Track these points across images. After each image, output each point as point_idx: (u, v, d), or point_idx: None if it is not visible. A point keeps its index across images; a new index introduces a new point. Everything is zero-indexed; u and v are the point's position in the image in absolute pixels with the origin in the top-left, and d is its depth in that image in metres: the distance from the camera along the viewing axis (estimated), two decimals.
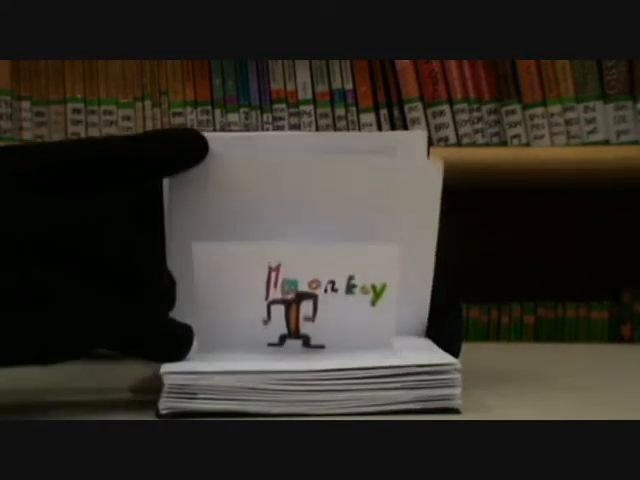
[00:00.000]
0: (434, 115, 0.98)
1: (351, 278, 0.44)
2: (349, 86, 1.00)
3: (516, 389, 0.49)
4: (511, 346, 0.97)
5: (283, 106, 1.00)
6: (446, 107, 0.98)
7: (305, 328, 0.44)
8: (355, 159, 0.47)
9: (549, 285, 1.12)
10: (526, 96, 0.97)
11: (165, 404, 0.39)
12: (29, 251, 0.38)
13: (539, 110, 0.97)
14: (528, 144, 0.97)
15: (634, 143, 0.95)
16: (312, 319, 0.44)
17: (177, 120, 1.01)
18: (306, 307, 0.44)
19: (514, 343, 1.05)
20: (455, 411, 0.40)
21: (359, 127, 0.99)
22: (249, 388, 0.39)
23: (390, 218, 0.47)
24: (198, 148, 0.45)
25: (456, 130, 0.98)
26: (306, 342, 0.44)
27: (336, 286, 0.44)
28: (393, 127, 0.99)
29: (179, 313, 0.42)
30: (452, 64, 0.98)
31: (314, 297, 0.44)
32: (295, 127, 1.00)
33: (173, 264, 0.44)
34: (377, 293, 0.44)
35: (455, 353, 0.46)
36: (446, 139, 0.98)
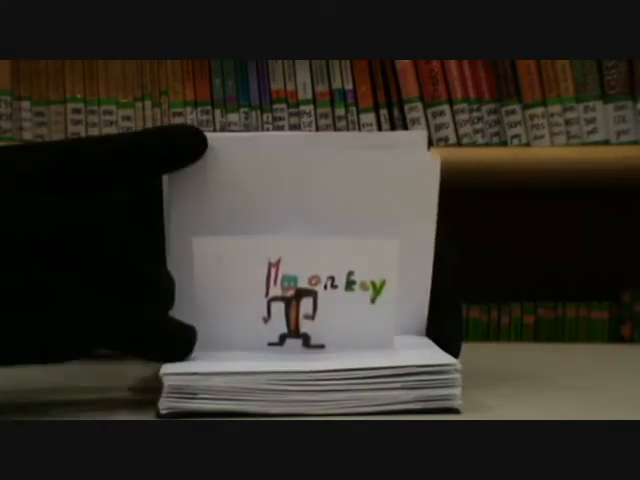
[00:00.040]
0: (434, 115, 0.98)
1: (351, 274, 0.44)
2: (349, 86, 1.00)
3: (516, 389, 0.49)
4: (511, 346, 0.97)
5: (283, 106, 1.01)
6: (446, 107, 0.98)
7: (305, 326, 0.44)
8: (354, 156, 0.47)
9: (549, 285, 1.12)
10: (526, 96, 0.97)
11: (165, 404, 0.39)
12: (29, 251, 0.38)
13: (539, 110, 0.97)
14: (528, 144, 0.97)
15: (634, 143, 0.95)
16: (312, 317, 0.44)
17: (177, 120, 1.01)
18: (306, 305, 0.44)
19: (514, 343, 1.05)
20: (455, 411, 0.40)
21: (359, 127, 0.99)
22: (249, 388, 0.39)
23: (388, 215, 0.47)
24: (197, 144, 0.45)
25: (456, 130, 0.98)
26: (306, 342, 0.44)
27: (336, 282, 0.44)
28: (393, 127, 0.99)
29: (179, 312, 0.42)
30: (452, 64, 0.98)
31: (314, 294, 0.44)
32: (295, 127, 1.00)
33: (172, 260, 0.44)
34: (377, 290, 0.44)
35: (455, 353, 0.46)
36: (446, 139, 0.98)
